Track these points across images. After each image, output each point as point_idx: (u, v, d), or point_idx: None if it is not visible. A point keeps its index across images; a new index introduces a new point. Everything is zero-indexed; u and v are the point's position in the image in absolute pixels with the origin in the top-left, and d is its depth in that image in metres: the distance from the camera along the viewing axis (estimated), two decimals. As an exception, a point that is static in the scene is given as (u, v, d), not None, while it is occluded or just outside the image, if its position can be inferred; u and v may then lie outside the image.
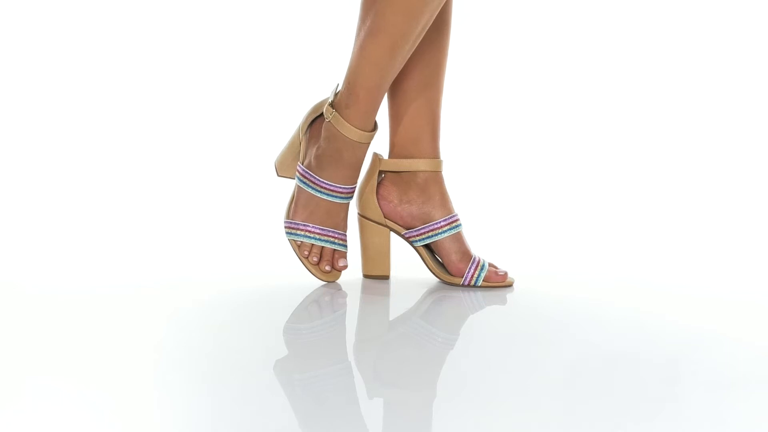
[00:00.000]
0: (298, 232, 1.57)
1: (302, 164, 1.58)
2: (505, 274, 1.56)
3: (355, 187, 1.57)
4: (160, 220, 2.20)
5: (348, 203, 1.58)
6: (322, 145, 1.56)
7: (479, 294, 1.52)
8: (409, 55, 1.53)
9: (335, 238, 1.56)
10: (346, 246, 1.58)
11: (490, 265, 1.56)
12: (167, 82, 2.76)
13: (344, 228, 1.58)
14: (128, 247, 1.91)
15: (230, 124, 2.74)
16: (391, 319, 1.44)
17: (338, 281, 1.57)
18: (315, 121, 1.59)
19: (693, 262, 1.87)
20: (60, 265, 1.73)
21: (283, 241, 1.60)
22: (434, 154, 1.58)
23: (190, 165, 2.62)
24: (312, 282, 1.56)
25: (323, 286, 1.55)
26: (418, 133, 1.58)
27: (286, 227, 1.57)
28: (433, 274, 1.57)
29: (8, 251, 1.84)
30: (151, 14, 2.77)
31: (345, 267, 1.58)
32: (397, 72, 1.53)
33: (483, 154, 2.67)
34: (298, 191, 1.58)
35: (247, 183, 2.52)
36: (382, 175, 1.59)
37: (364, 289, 1.54)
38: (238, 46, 2.80)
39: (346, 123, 1.52)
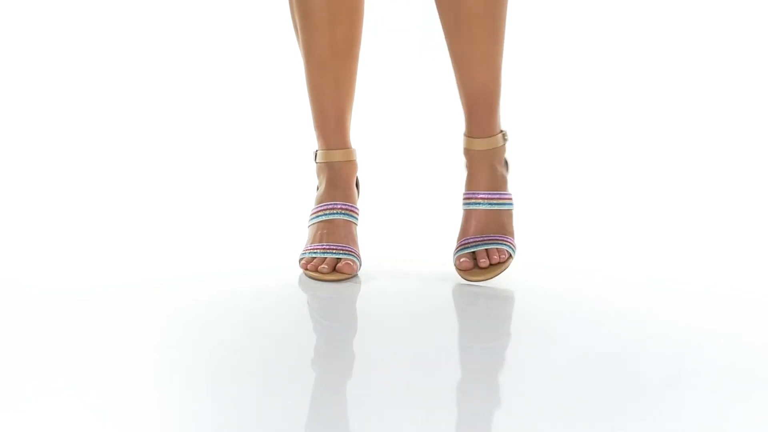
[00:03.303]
0: (300, 257, 1.62)
1: None
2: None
3: (348, 205, 1.63)
4: (160, 219, 2.20)
5: (346, 220, 1.61)
6: (318, 185, 1.69)
7: (480, 294, 1.51)
8: (338, 69, 1.61)
9: (331, 249, 1.58)
10: (347, 254, 1.58)
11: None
12: (166, 82, 2.76)
13: (347, 242, 1.59)
14: (128, 247, 1.91)
15: (229, 124, 2.74)
16: (391, 318, 1.44)
17: (339, 281, 1.57)
18: None
19: (694, 261, 1.87)
20: (60, 265, 1.73)
21: (282, 241, 1.60)
22: None
23: (190, 165, 2.62)
24: (312, 281, 1.56)
25: (323, 285, 1.55)
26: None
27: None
28: None
29: (8, 251, 1.84)
30: (151, 14, 2.77)
31: (347, 267, 1.57)
32: (336, 87, 1.63)
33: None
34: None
35: (247, 182, 2.52)
36: None
37: (365, 289, 1.54)
38: (236, 46, 2.80)
39: (319, 150, 1.66)
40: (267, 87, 2.78)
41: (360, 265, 1.60)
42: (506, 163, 1.65)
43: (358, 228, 1.65)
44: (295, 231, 1.77)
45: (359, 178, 1.72)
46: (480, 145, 1.57)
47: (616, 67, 2.80)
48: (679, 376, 1.14)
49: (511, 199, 1.61)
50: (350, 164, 1.67)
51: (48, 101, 2.70)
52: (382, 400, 1.04)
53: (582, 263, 1.85)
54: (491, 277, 1.54)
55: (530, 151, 2.71)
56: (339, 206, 1.63)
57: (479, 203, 1.57)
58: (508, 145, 1.63)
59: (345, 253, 1.58)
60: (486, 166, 1.59)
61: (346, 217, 1.62)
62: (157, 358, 1.18)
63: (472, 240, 1.56)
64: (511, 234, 1.59)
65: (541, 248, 1.96)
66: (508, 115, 2.51)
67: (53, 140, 2.64)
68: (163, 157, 2.63)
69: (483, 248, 1.55)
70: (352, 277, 1.57)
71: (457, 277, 1.57)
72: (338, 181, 1.65)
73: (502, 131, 1.61)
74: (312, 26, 1.61)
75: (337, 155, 1.65)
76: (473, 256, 1.55)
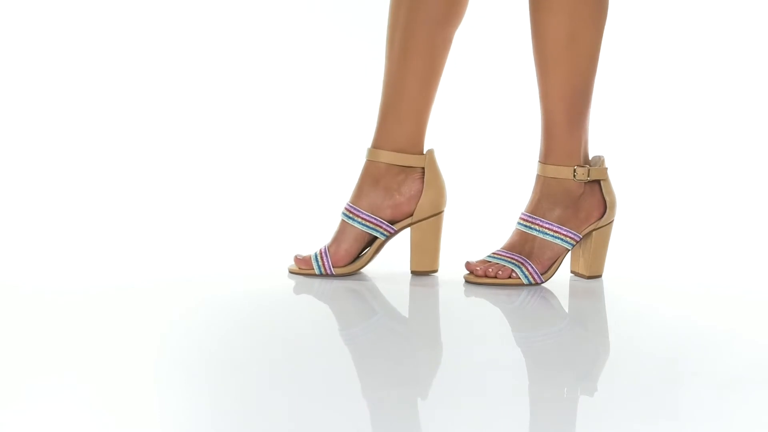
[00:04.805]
0: None
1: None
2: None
3: (373, 218, 1.57)
4: (160, 220, 2.20)
5: (363, 232, 1.57)
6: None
7: (480, 293, 1.51)
8: (416, 69, 1.54)
9: (320, 249, 1.59)
10: (316, 254, 1.58)
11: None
12: (166, 82, 2.76)
13: (335, 245, 1.58)
14: (128, 247, 1.91)
15: (229, 124, 2.74)
16: (392, 319, 1.44)
17: (337, 281, 1.57)
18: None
19: (694, 261, 1.87)
20: (59, 265, 1.73)
21: (283, 242, 1.60)
22: None
23: (191, 165, 2.62)
24: (311, 282, 1.56)
25: (323, 286, 1.55)
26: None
27: None
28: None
29: (8, 251, 1.84)
30: (151, 14, 2.77)
31: (296, 260, 1.59)
32: (409, 87, 1.56)
33: (486, 154, 2.67)
34: None
35: (248, 182, 2.52)
36: None
37: (366, 289, 1.54)
38: (236, 46, 2.80)
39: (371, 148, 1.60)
40: (264, 91, 2.77)
41: (323, 270, 1.57)
42: (604, 205, 1.58)
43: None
44: (295, 231, 1.77)
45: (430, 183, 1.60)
46: (538, 168, 1.58)
47: (616, 67, 2.80)
48: (679, 376, 1.14)
49: (561, 234, 1.55)
50: (390, 168, 1.58)
51: (48, 101, 2.70)
52: (383, 400, 1.04)
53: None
54: (481, 283, 1.55)
55: (530, 150, 2.71)
56: (363, 216, 1.57)
57: (518, 222, 1.58)
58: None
59: (316, 254, 1.59)
60: (537, 191, 1.58)
61: (366, 230, 1.57)
62: (157, 358, 1.18)
63: (496, 252, 1.57)
64: (538, 262, 1.54)
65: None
66: (497, 120, 2.49)
67: (53, 141, 2.64)
68: (163, 159, 2.63)
69: (495, 261, 1.55)
70: (305, 275, 1.59)
71: (460, 280, 1.58)
72: (365, 184, 1.59)
73: (577, 168, 1.56)
74: (419, 18, 1.53)
75: (372, 154, 1.59)
76: (485, 263, 1.56)
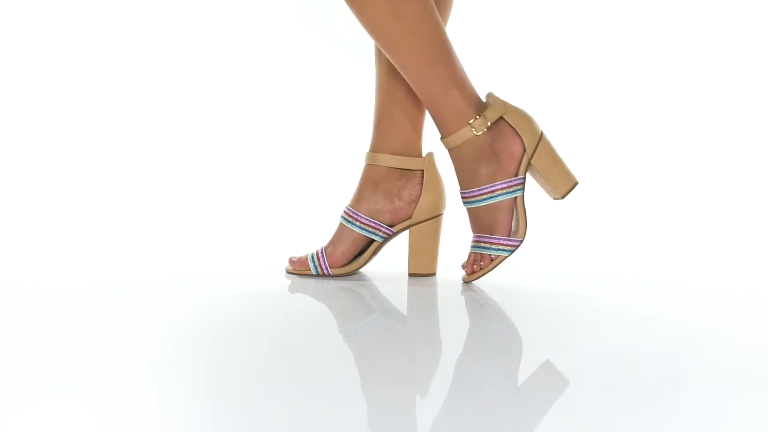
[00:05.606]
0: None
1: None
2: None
3: (372, 221, 1.57)
4: (160, 220, 2.20)
5: (362, 236, 1.58)
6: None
7: (479, 293, 1.52)
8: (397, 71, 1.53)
9: (317, 252, 1.60)
10: (312, 255, 1.60)
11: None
12: (167, 84, 2.76)
13: (329, 247, 1.59)
14: (128, 247, 1.91)
15: (229, 127, 2.74)
16: (392, 319, 1.44)
17: (335, 280, 1.57)
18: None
19: (694, 262, 1.87)
20: (59, 265, 1.73)
21: (282, 242, 1.60)
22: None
23: (190, 166, 2.62)
24: (309, 282, 1.57)
25: (321, 286, 1.55)
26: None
27: None
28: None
29: (8, 251, 1.84)
30: (151, 15, 2.77)
31: (290, 262, 1.62)
32: (391, 88, 1.56)
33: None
34: None
35: (247, 184, 2.52)
36: None
37: (364, 288, 1.54)
38: (235, 49, 2.80)
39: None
40: (262, 94, 2.78)
41: (320, 270, 1.59)
42: (519, 136, 1.51)
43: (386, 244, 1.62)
44: (293, 232, 1.76)
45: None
46: (444, 145, 1.53)
47: (616, 68, 2.80)
48: (679, 376, 1.14)
49: (498, 189, 1.50)
50: (390, 172, 1.58)
51: (48, 102, 2.70)
52: (384, 400, 1.04)
53: (582, 264, 1.85)
54: (474, 279, 1.55)
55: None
56: (362, 220, 1.58)
57: (463, 201, 1.55)
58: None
59: (313, 254, 1.60)
60: (456, 165, 1.52)
61: (365, 233, 1.58)
62: (157, 358, 1.18)
63: (472, 240, 1.55)
64: (500, 230, 1.50)
65: (539, 249, 1.96)
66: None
67: (53, 141, 2.64)
68: (164, 159, 2.63)
69: (472, 251, 1.54)
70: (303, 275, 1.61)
71: (458, 279, 1.58)
72: (365, 188, 1.59)
73: (473, 123, 1.49)
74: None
75: (371, 158, 1.59)
76: (469, 257, 1.55)
